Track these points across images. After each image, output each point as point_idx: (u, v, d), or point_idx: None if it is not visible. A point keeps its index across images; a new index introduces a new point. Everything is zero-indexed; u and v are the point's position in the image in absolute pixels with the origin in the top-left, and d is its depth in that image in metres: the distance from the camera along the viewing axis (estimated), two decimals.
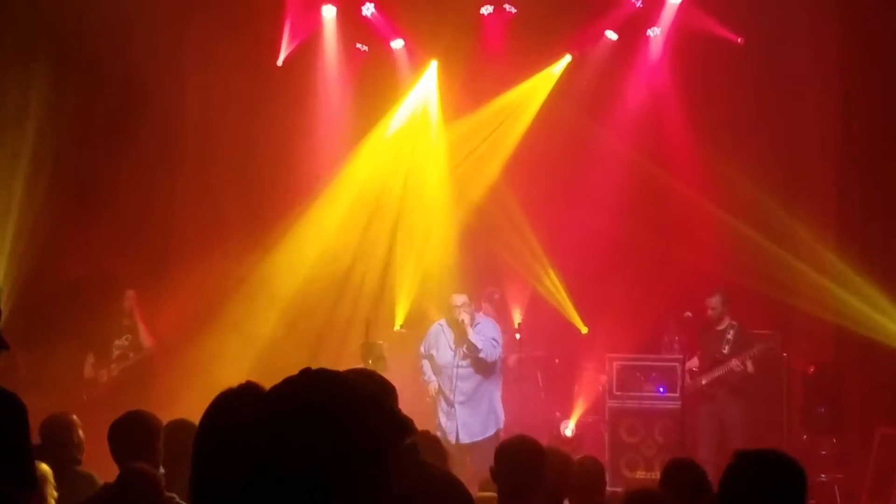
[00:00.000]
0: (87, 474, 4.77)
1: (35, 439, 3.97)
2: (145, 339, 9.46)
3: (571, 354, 10.17)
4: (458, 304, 8.43)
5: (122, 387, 9.06)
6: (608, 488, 5.46)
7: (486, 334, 8.42)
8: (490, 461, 3.93)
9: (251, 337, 9.95)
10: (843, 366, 9.41)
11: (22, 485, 2.68)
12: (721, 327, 8.97)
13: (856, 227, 9.61)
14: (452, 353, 8.45)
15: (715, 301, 8.94)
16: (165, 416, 4.62)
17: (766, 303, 9.39)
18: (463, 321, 8.30)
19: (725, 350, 8.82)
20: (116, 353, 9.46)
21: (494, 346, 8.38)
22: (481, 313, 8.79)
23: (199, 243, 10.54)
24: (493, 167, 10.70)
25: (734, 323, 8.95)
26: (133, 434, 4.24)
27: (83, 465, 4.94)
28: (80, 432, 4.97)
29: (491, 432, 8.33)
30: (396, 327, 10.21)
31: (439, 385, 8.51)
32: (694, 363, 9.13)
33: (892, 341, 9.00)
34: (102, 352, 9.45)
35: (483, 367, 8.42)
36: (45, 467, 4.08)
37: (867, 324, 9.14)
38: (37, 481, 2.73)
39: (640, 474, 8.94)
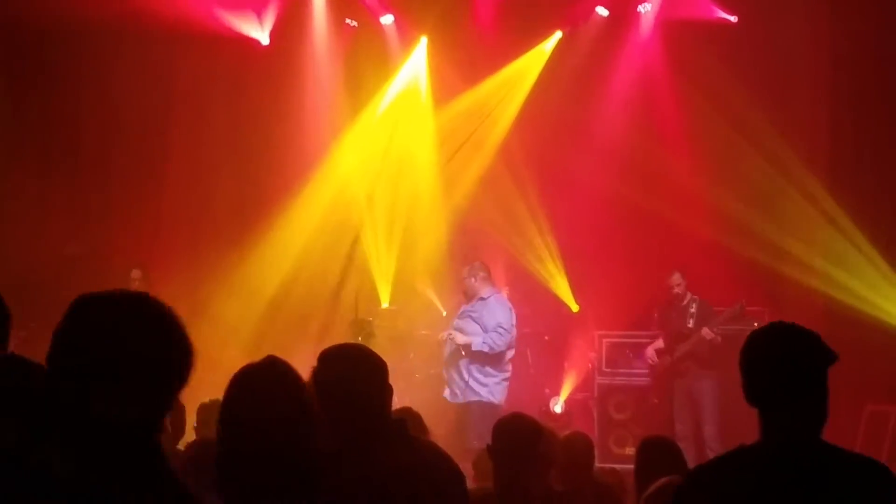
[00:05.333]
0: None
1: None
2: None
3: (561, 331, 10.16)
4: (464, 274, 8.52)
5: None
6: (597, 464, 5.47)
7: (494, 320, 8.34)
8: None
9: (240, 318, 9.92)
10: (833, 342, 9.38)
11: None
12: (684, 303, 8.99)
13: (847, 199, 9.57)
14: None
15: (677, 278, 8.98)
16: None
17: (755, 279, 9.39)
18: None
19: (690, 324, 8.85)
20: None
21: (500, 334, 8.31)
22: (493, 289, 8.72)
23: (188, 228, 10.55)
24: (485, 147, 10.65)
25: (695, 297, 8.98)
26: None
27: None
28: None
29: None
30: (384, 305, 10.21)
31: None
32: (658, 344, 9.16)
33: (883, 316, 9.04)
34: None
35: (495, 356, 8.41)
36: None
37: (857, 300, 9.15)
38: None
39: (629, 451, 8.89)
